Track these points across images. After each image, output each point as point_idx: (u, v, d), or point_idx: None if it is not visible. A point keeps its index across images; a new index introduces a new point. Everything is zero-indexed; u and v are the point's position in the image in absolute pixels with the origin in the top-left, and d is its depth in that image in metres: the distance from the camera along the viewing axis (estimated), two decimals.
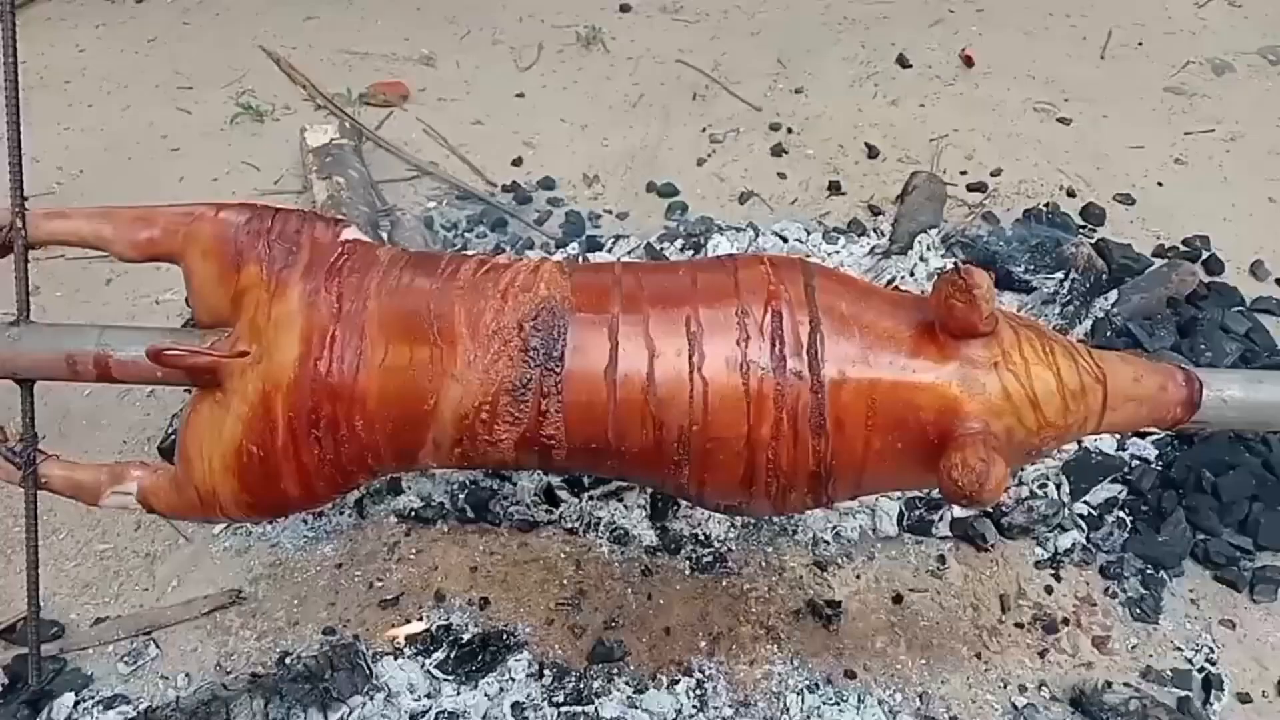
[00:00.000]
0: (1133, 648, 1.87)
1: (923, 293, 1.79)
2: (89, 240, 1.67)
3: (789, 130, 3.22)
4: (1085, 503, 2.05)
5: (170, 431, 2.13)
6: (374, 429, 1.52)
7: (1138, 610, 1.91)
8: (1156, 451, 2.12)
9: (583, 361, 1.47)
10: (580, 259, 2.59)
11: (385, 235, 2.61)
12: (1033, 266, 2.49)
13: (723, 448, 1.47)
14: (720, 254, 1.63)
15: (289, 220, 1.59)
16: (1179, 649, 1.87)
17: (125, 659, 1.83)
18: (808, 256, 1.66)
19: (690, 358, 1.46)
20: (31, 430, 1.70)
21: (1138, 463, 2.10)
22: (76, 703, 1.75)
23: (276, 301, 1.52)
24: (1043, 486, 2.04)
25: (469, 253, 1.69)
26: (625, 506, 2.05)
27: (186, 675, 1.80)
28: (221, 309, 1.58)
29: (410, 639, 1.81)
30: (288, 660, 1.78)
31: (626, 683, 1.78)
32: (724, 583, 1.95)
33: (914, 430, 1.47)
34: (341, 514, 2.05)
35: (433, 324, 1.49)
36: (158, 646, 1.85)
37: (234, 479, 1.56)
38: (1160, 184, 3.00)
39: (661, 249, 2.60)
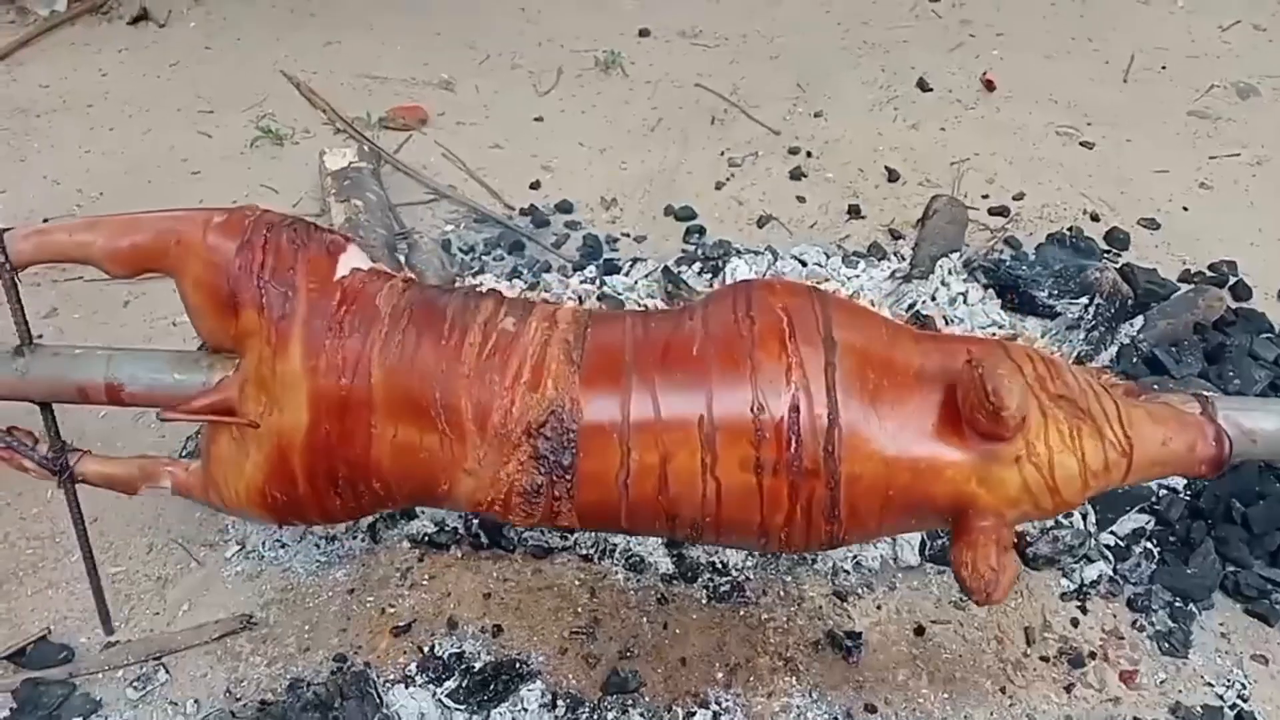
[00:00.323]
0: (1161, 683, 1.82)
1: (960, 333, 1.73)
2: (71, 253, 1.61)
3: (808, 154, 3.20)
4: (1112, 533, 2.00)
5: (184, 455, 2.11)
6: (392, 491, 1.56)
7: (1166, 644, 1.86)
8: (1185, 481, 2.08)
9: (594, 467, 1.45)
10: (597, 282, 2.58)
11: (403, 259, 2.60)
12: (1056, 292, 2.46)
13: (736, 528, 1.50)
14: (738, 307, 1.50)
15: (281, 251, 1.52)
16: (1209, 684, 1.81)
17: (135, 684, 1.81)
18: (830, 289, 1.56)
19: (703, 459, 1.43)
20: (59, 440, 1.71)
21: (1165, 492, 2.05)
22: None
23: (279, 359, 1.49)
24: (1068, 516, 1.99)
25: (477, 292, 1.59)
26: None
27: (196, 702, 1.78)
28: (224, 340, 1.57)
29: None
30: (298, 688, 1.75)
31: (641, 714, 1.75)
32: (741, 612, 1.91)
33: (928, 511, 1.49)
34: (354, 539, 2.03)
35: (440, 413, 1.46)
36: (168, 672, 1.83)
37: (260, 509, 1.61)
38: (1185, 208, 2.96)
39: (679, 272, 2.58)
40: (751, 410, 1.41)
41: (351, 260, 1.57)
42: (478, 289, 1.62)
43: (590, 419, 1.44)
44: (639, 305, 2.48)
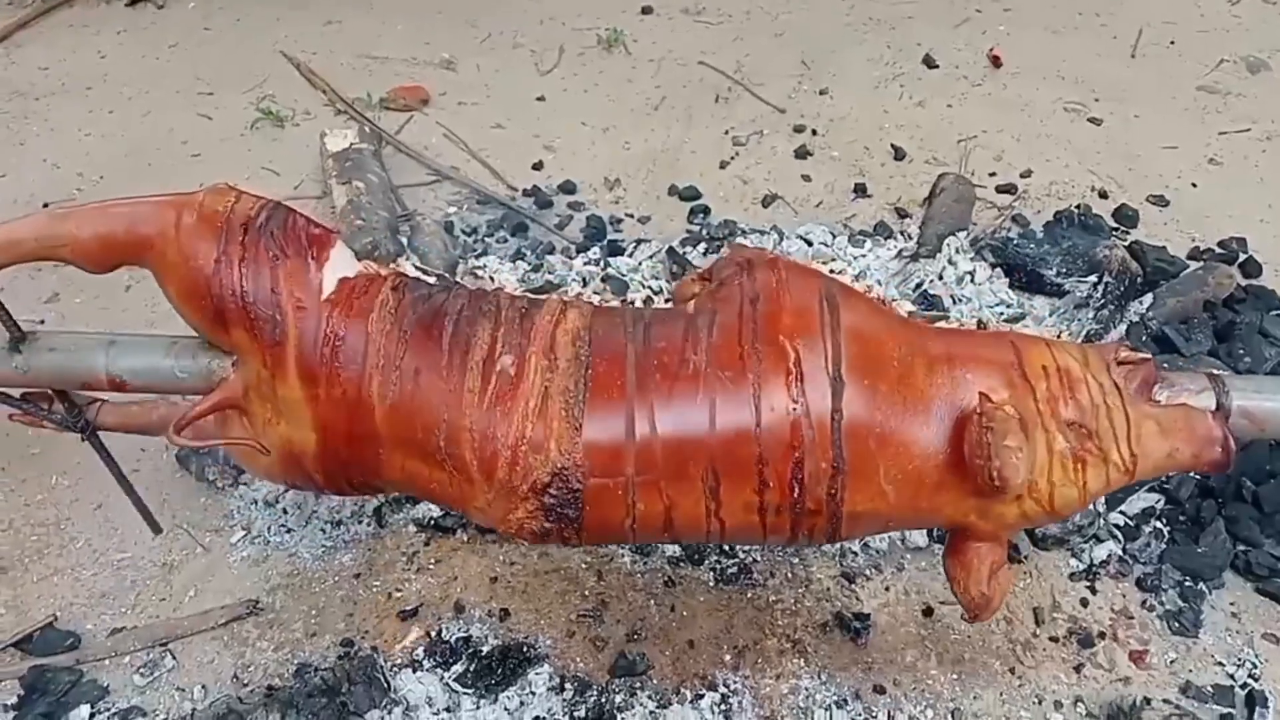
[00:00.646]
0: (1171, 662, 1.81)
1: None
2: (39, 251, 1.51)
3: (813, 132, 3.17)
4: (1121, 513, 1.99)
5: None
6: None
7: (1176, 624, 1.85)
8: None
9: (600, 516, 1.44)
10: (601, 264, 2.56)
11: (405, 240, 2.58)
12: (1065, 270, 2.43)
13: (739, 543, 1.71)
14: (744, 336, 1.43)
15: (260, 267, 1.44)
16: (1220, 664, 1.81)
17: (141, 670, 1.80)
18: (840, 295, 1.50)
19: (707, 505, 1.43)
20: (75, 406, 1.70)
21: (1175, 472, 2.03)
22: (92, 715, 1.74)
23: (279, 382, 1.46)
24: None
25: (472, 303, 1.51)
26: None
27: (203, 687, 1.78)
28: (220, 344, 1.53)
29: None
30: (305, 673, 1.75)
31: (649, 697, 1.74)
32: (749, 594, 1.90)
33: (927, 526, 1.74)
34: (360, 523, 2.02)
35: (445, 459, 1.44)
36: (174, 658, 1.83)
37: (285, 480, 1.62)
38: (1194, 185, 2.93)
39: (684, 253, 2.56)
40: (756, 464, 1.39)
41: (337, 267, 1.49)
42: (472, 295, 1.52)
43: (595, 481, 1.41)
44: (644, 285, 2.47)
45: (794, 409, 1.38)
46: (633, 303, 2.42)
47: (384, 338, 1.45)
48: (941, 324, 2.21)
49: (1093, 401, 1.43)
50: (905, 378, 1.42)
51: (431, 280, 1.63)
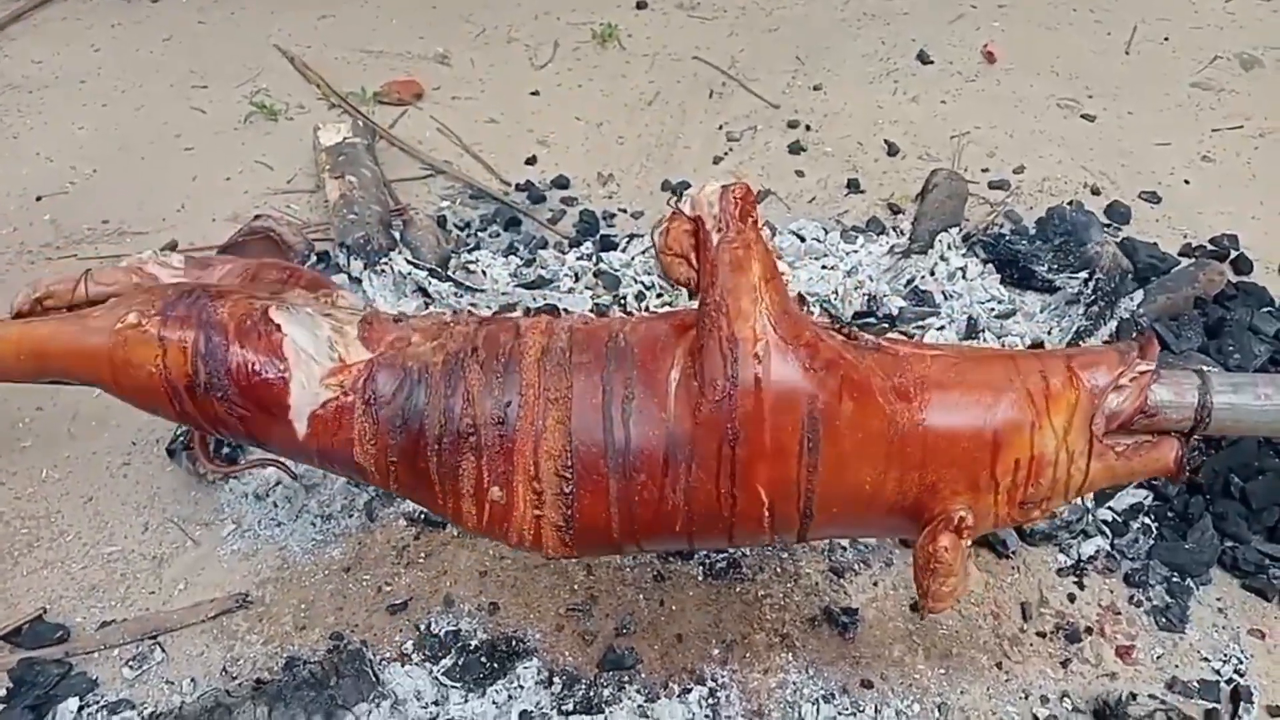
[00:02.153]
0: (1158, 658, 1.82)
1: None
2: None
3: (807, 128, 3.17)
4: (1109, 508, 2.00)
5: (179, 432, 2.11)
6: None
7: (1163, 619, 1.86)
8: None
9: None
10: (594, 259, 2.56)
11: (398, 235, 2.58)
12: (1056, 266, 2.44)
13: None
14: (721, 479, 1.45)
15: (229, 423, 1.48)
16: (1206, 659, 1.81)
17: (131, 663, 1.81)
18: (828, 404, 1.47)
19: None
20: None
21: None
22: (81, 708, 1.73)
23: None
24: None
25: (452, 421, 1.47)
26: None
27: (192, 680, 1.78)
28: None
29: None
30: (294, 666, 1.75)
31: (638, 691, 1.74)
32: (738, 589, 1.91)
33: None
34: (350, 517, 2.02)
35: (446, 504, 1.52)
36: (163, 651, 1.83)
37: None
38: (1187, 182, 2.94)
39: None
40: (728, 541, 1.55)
41: (301, 406, 1.45)
42: (445, 409, 1.45)
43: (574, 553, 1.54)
44: (636, 280, 2.47)
45: (763, 538, 1.53)
46: (624, 300, 2.42)
47: (373, 465, 1.50)
48: (936, 342, 2.20)
49: (1054, 478, 1.48)
50: (875, 497, 1.47)
51: (395, 357, 1.51)
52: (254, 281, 1.66)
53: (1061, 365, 1.48)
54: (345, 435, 1.46)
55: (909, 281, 2.42)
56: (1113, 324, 2.32)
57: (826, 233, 2.65)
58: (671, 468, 1.43)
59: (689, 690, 1.75)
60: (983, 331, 2.28)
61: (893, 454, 1.44)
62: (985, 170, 2.96)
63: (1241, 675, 1.78)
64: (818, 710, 1.72)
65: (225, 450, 2.07)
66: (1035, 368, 1.48)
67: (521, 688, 1.74)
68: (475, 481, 1.46)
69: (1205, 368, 2.06)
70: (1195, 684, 1.76)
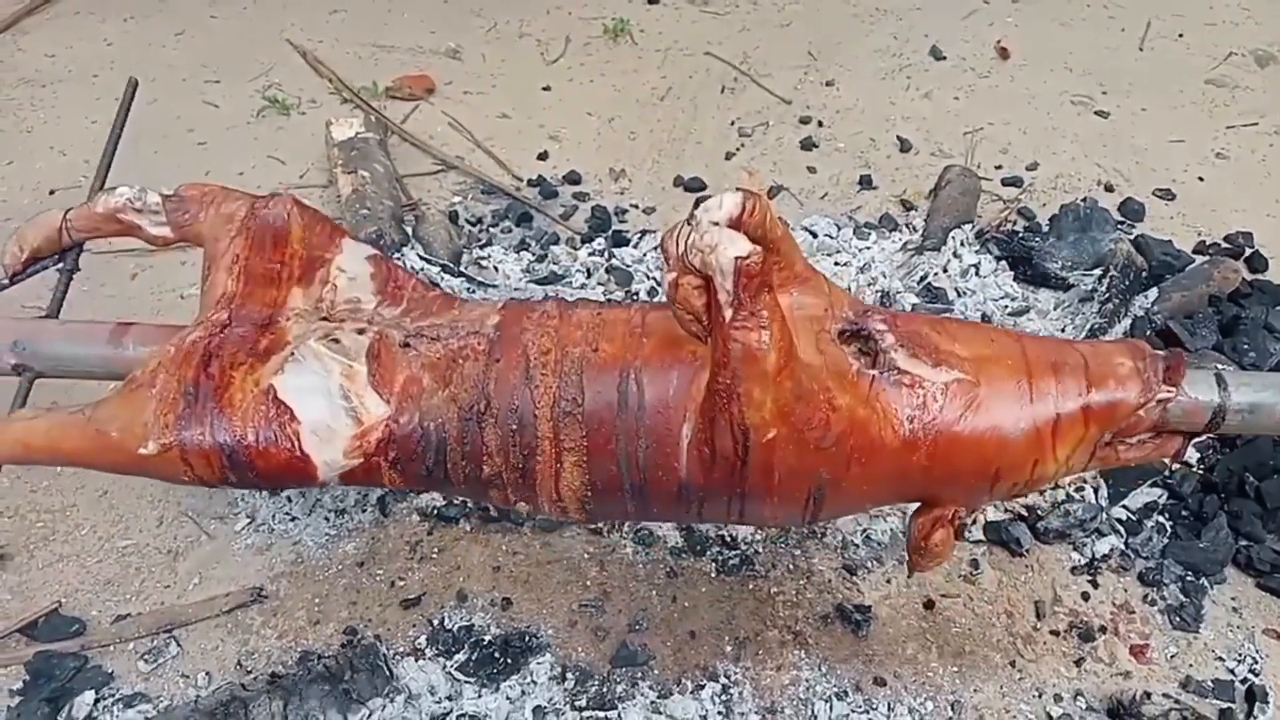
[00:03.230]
0: (1172, 657, 1.81)
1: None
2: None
3: (819, 123, 3.17)
4: (1124, 507, 1.99)
5: None
6: None
7: (1178, 618, 1.85)
8: (1198, 455, 2.06)
9: None
10: (606, 254, 2.56)
11: (410, 230, 2.58)
12: (1070, 263, 2.43)
13: None
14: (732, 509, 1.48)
15: (245, 484, 1.47)
16: (1220, 659, 1.81)
17: (146, 657, 1.81)
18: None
19: None
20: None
21: (1178, 466, 2.04)
22: (96, 700, 1.74)
23: None
24: (1080, 490, 1.98)
25: (474, 456, 1.47)
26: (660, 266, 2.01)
27: (207, 674, 1.79)
28: None
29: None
30: (308, 660, 1.76)
31: (650, 687, 1.75)
32: (750, 586, 1.91)
33: None
34: (364, 512, 2.03)
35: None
36: (178, 644, 1.84)
37: None
38: (1201, 179, 2.92)
39: None
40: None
41: (331, 466, 1.43)
42: (466, 455, 1.45)
43: None
44: (648, 276, 2.46)
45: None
46: (636, 295, 2.42)
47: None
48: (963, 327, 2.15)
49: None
50: (877, 504, 1.64)
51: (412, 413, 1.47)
52: (247, 280, 1.54)
53: (1077, 407, 1.43)
54: (375, 480, 1.50)
55: (922, 278, 2.41)
56: (1126, 321, 2.31)
57: (839, 229, 2.64)
58: (684, 498, 1.46)
59: (702, 687, 1.75)
60: None
61: (896, 486, 1.48)
62: (998, 167, 2.95)
63: (1256, 675, 1.77)
64: (830, 707, 1.72)
65: None
66: (1049, 411, 1.42)
67: (535, 683, 1.75)
68: (501, 499, 1.51)
69: (1220, 366, 2.06)
70: (1210, 683, 1.76)
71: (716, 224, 1.21)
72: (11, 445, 1.53)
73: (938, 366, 1.40)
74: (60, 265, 1.70)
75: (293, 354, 1.43)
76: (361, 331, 1.48)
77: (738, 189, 1.26)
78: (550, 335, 1.44)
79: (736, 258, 1.18)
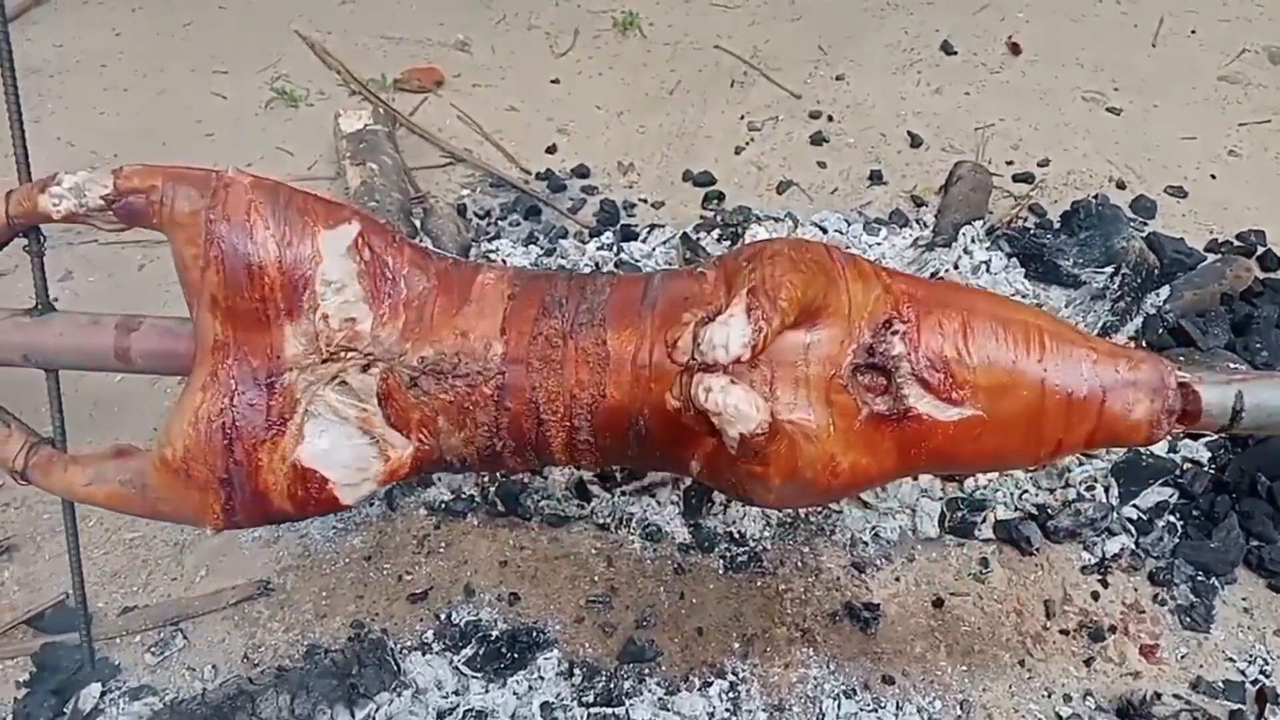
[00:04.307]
0: (1182, 657, 1.80)
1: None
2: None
3: (829, 118, 3.15)
4: (1135, 506, 1.98)
5: None
6: None
7: (1188, 619, 1.84)
8: (1209, 454, 2.05)
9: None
10: (614, 249, 2.55)
11: (418, 223, 2.57)
12: (1081, 261, 2.41)
13: None
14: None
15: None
16: (1231, 660, 1.80)
17: (152, 649, 1.81)
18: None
19: None
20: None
21: (1190, 465, 2.03)
22: (103, 693, 1.74)
23: None
24: (1090, 489, 1.97)
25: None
26: (658, 503, 2.00)
27: (213, 667, 1.78)
28: None
29: None
30: (315, 654, 1.75)
31: (658, 684, 1.74)
32: (759, 583, 1.90)
33: None
34: (371, 505, 2.02)
35: None
36: (185, 637, 1.83)
37: None
38: (1213, 176, 2.91)
39: (697, 239, 2.55)
40: None
41: (350, 491, 1.46)
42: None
43: None
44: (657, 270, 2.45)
45: None
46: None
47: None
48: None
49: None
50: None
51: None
52: (235, 326, 1.43)
53: (1080, 439, 1.44)
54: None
55: (933, 274, 2.40)
56: (1138, 320, 2.30)
57: (849, 224, 2.63)
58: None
59: (709, 683, 1.75)
60: None
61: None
62: (1010, 163, 2.94)
63: (1267, 676, 1.76)
64: (839, 706, 1.71)
65: None
66: (1051, 444, 1.44)
67: (542, 679, 1.74)
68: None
69: (1233, 366, 2.05)
70: (1220, 684, 1.75)
71: (724, 373, 1.17)
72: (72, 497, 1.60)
73: (952, 404, 1.38)
74: (26, 247, 1.58)
75: (307, 412, 1.42)
76: (366, 368, 1.43)
77: (747, 308, 1.20)
78: (556, 375, 1.41)
79: (742, 434, 1.17)
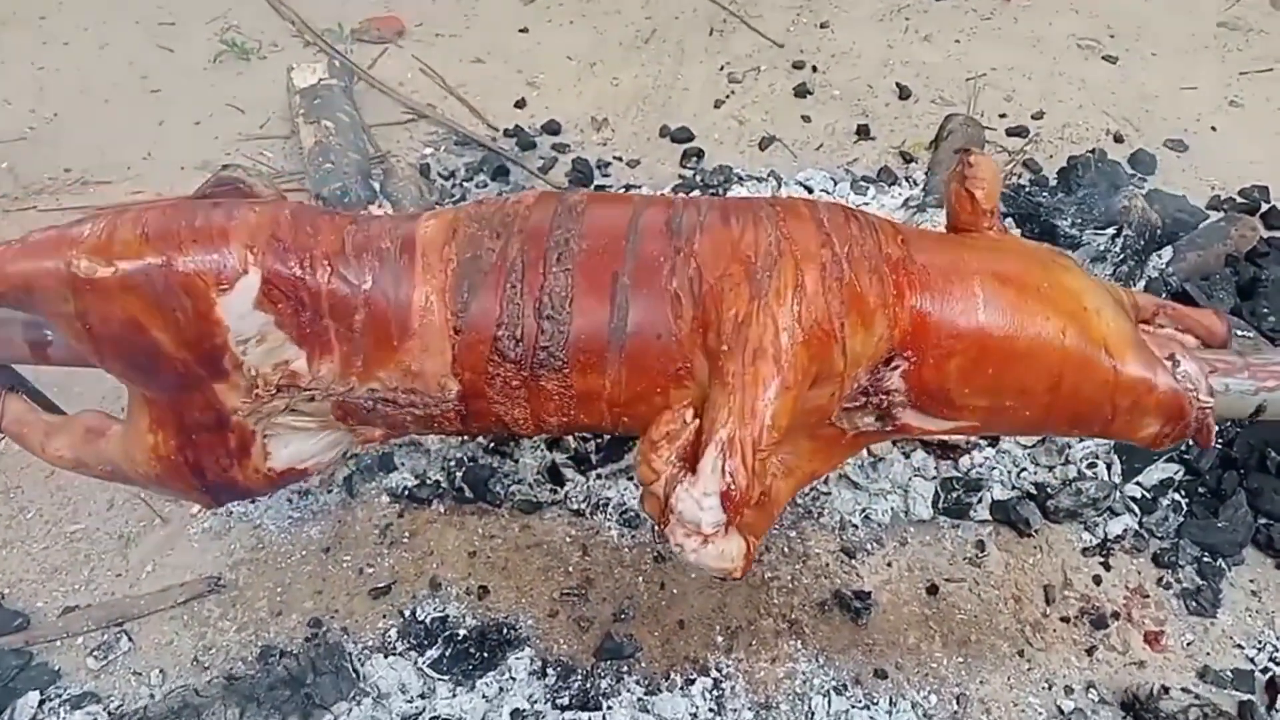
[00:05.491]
0: (1188, 644, 1.71)
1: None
2: None
3: (814, 69, 3.01)
4: (1138, 484, 1.89)
5: None
6: None
7: (1194, 603, 1.76)
8: (1216, 428, 1.94)
9: None
10: None
11: (377, 186, 2.42)
12: (1080, 221, 2.29)
13: None
14: None
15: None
16: (1239, 646, 1.71)
17: (95, 653, 1.69)
18: None
19: None
20: None
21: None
22: (42, 701, 1.62)
23: None
24: (1092, 466, 1.87)
25: None
26: (635, 485, 1.89)
27: (161, 671, 1.67)
28: None
29: None
30: (269, 657, 1.64)
31: (637, 683, 1.64)
32: None
33: None
34: (329, 493, 1.90)
35: None
36: (130, 639, 1.71)
37: None
38: (1214, 128, 2.79)
39: None
40: None
41: (333, 459, 1.47)
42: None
43: None
44: None
45: None
46: None
47: None
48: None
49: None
50: None
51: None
52: (173, 431, 1.37)
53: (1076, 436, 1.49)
54: None
55: None
56: (1141, 284, 2.19)
57: (835, 183, 2.50)
58: None
59: (692, 681, 1.65)
60: None
61: None
62: (1003, 116, 2.81)
63: (1278, 664, 1.68)
64: (829, 702, 1.62)
65: None
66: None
67: (513, 679, 1.63)
68: None
69: (1240, 333, 1.94)
70: (1228, 674, 1.66)
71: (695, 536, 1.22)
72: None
73: (945, 419, 1.36)
74: None
75: (266, 436, 1.39)
76: (314, 399, 1.35)
77: (721, 485, 1.21)
78: (520, 405, 1.34)
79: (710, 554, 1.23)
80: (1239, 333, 1.98)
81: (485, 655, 1.66)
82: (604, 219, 1.34)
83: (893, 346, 1.30)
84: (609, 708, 1.60)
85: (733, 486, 1.20)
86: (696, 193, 2.45)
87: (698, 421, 1.27)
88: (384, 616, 1.73)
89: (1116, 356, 1.33)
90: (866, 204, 2.42)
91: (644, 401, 1.31)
